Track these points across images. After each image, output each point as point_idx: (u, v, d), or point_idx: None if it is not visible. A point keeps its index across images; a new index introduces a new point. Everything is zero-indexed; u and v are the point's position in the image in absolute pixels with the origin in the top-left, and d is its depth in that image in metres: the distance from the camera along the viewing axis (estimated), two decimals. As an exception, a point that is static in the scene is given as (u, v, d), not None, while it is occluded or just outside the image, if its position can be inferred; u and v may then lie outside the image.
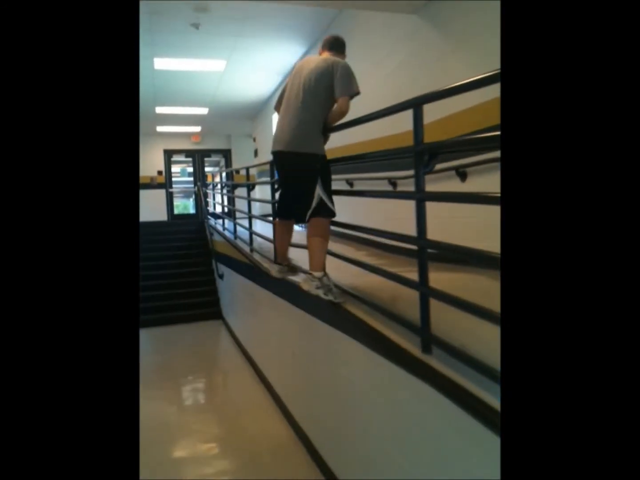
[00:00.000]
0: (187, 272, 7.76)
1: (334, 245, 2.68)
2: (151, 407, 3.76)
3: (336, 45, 2.65)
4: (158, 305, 6.92)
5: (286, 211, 2.73)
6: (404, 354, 1.75)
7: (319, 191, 2.40)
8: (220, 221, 7.78)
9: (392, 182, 4.20)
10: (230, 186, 5.92)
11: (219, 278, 6.85)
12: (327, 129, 2.53)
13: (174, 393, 4.64)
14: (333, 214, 2.46)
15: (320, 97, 2.45)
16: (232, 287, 6.23)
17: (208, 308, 7.13)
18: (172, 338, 6.43)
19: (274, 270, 2.95)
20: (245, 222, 5.37)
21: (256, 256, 4.54)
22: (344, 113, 2.43)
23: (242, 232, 5.79)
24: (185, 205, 16.83)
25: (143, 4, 4.99)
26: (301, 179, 2.50)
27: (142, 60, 6.27)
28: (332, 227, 2.56)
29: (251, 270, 4.68)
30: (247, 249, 5.01)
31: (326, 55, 2.59)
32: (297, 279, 2.68)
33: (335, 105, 2.44)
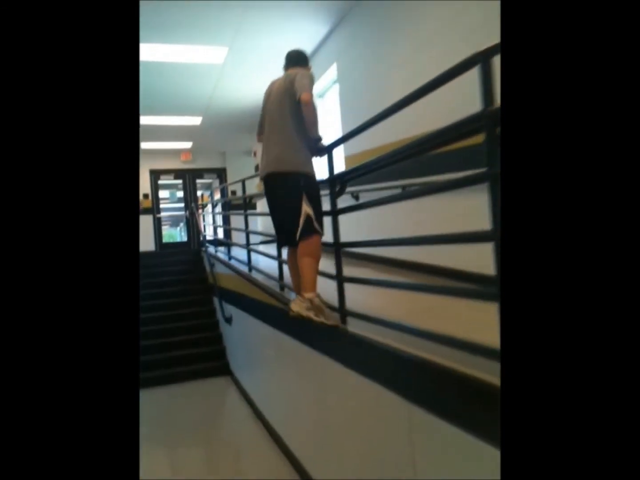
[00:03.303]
0: (183, 314, 6.23)
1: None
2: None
3: (299, 60, 2.67)
4: (148, 360, 5.36)
5: (279, 235, 2.68)
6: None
7: (305, 208, 2.36)
8: (224, 249, 6.28)
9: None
10: (244, 200, 4.47)
11: (225, 322, 5.34)
12: (316, 140, 2.48)
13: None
14: (320, 233, 2.43)
15: (291, 112, 2.45)
16: (245, 334, 4.73)
17: (212, 361, 5.60)
18: (165, 404, 4.87)
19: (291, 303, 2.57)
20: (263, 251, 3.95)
21: (288, 295, 3.14)
22: (308, 106, 2.36)
23: (255, 262, 4.37)
24: (171, 234, 15.51)
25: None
26: (286, 197, 2.45)
27: (121, 47, 4.90)
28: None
29: (278, 314, 3.26)
30: (271, 285, 3.57)
31: (289, 71, 2.58)
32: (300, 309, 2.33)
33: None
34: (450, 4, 3.18)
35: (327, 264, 2.64)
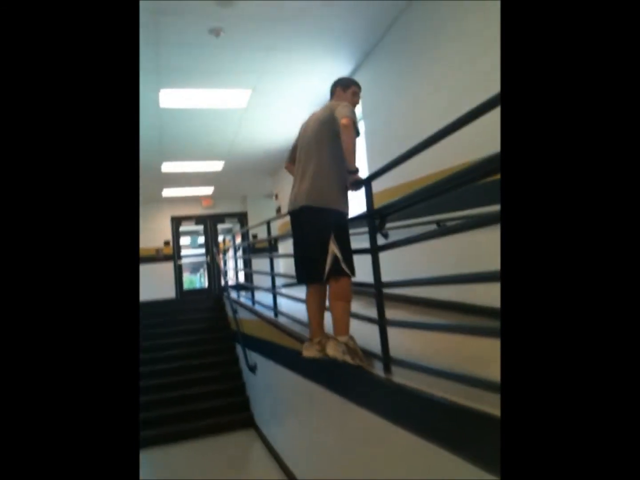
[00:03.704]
0: (204, 364, 5.97)
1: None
2: None
3: (338, 86, 2.57)
4: (165, 414, 5.07)
5: (302, 272, 2.50)
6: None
7: (332, 248, 2.24)
8: (245, 293, 6.09)
9: (440, 224, 3.31)
10: (269, 242, 4.30)
11: (249, 371, 5.06)
12: (353, 171, 2.27)
13: None
14: (350, 274, 2.28)
15: (328, 142, 2.35)
16: (271, 384, 4.45)
17: (234, 413, 5.28)
18: (184, 462, 4.54)
19: (303, 347, 2.59)
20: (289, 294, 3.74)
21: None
22: (348, 130, 2.21)
23: (278, 305, 4.14)
24: (191, 281, 15.46)
25: (144, 4, 3.72)
26: (314, 234, 2.34)
27: (145, 94, 4.93)
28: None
29: (309, 362, 2.99)
30: (299, 330, 3.33)
31: (330, 103, 2.50)
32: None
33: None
34: (479, 35, 3.10)
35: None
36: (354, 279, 2.35)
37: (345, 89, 2.54)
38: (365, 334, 2.36)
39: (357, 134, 2.29)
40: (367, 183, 2.22)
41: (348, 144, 2.21)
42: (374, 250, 2.15)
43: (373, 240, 2.16)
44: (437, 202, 3.11)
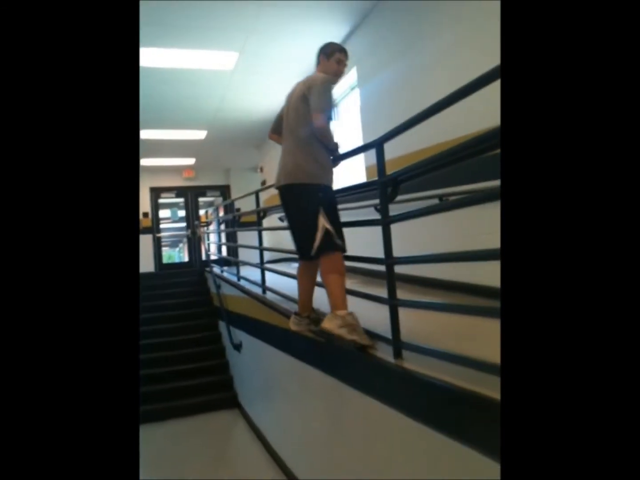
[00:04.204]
0: (185, 340, 5.73)
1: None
2: None
3: (321, 54, 2.43)
4: (143, 391, 4.84)
5: (295, 248, 2.45)
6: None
7: (323, 222, 2.17)
8: (228, 268, 5.84)
9: (444, 199, 3.11)
10: (258, 214, 4.05)
11: (233, 349, 4.85)
12: (333, 150, 2.34)
13: None
14: (342, 249, 2.22)
15: (307, 119, 2.26)
16: (258, 364, 4.25)
17: (217, 392, 5.09)
18: (165, 442, 4.35)
19: (290, 321, 2.58)
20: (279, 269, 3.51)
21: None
22: (319, 130, 2.22)
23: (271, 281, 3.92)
24: (170, 255, 15.12)
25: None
26: (302, 211, 2.29)
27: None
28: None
29: (302, 342, 2.81)
30: (290, 308, 3.13)
31: (309, 77, 2.37)
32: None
33: None
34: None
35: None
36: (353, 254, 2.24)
37: (328, 56, 2.40)
38: (367, 316, 2.18)
39: (330, 119, 2.28)
40: (379, 146, 1.98)
41: (325, 140, 2.26)
42: (385, 223, 1.93)
43: (384, 210, 1.94)
44: (442, 175, 2.92)
